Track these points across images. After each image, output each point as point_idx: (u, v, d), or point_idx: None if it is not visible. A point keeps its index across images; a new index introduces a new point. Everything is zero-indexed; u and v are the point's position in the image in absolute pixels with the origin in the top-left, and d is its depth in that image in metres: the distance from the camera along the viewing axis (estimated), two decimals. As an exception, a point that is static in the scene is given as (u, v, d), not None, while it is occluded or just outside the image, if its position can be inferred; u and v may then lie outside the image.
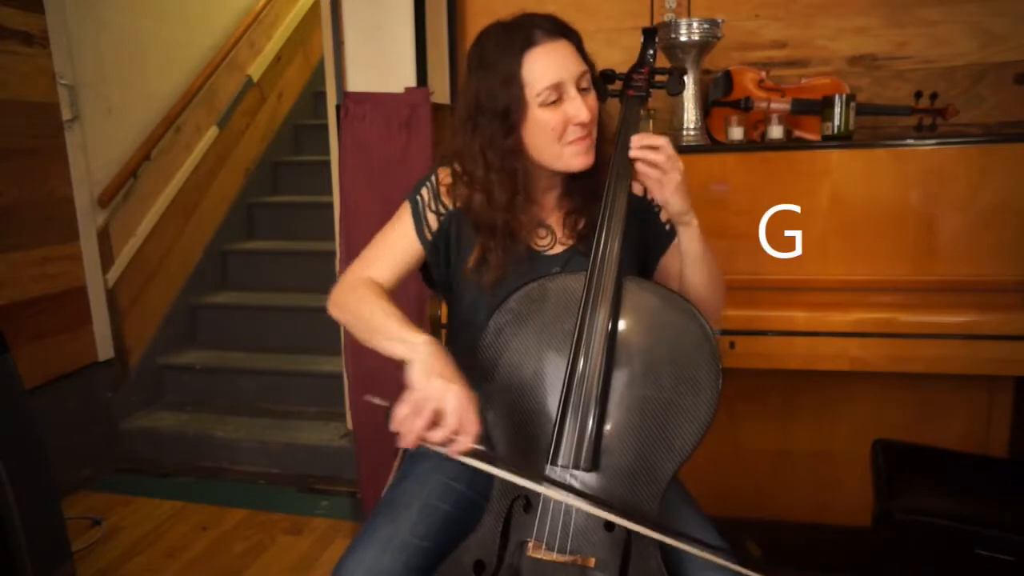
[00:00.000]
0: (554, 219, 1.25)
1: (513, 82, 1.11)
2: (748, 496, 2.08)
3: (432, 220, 1.23)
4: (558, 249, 1.24)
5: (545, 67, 1.11)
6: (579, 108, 1.12)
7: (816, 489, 2.05)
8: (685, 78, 1.20)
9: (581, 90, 1.14)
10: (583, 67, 1.14)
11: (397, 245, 1.24)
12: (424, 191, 1.24)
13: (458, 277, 1.25)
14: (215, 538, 2.37)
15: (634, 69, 1.24)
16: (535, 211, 1.25)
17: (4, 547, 1.63)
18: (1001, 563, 1.31)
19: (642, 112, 1.23)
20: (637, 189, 1.24)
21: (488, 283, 1.19)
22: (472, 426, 0.93)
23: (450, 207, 1.23)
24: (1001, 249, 1.69)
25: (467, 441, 0.93)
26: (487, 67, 1.14)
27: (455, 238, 1.24)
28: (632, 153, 1.10)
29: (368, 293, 1.14)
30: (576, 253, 1.22)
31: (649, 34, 1.30)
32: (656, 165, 1.10)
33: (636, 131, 1.16)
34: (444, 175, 1.24)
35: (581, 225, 1.22)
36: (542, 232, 1.24)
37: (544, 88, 1.11)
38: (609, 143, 1.20)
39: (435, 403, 0.93)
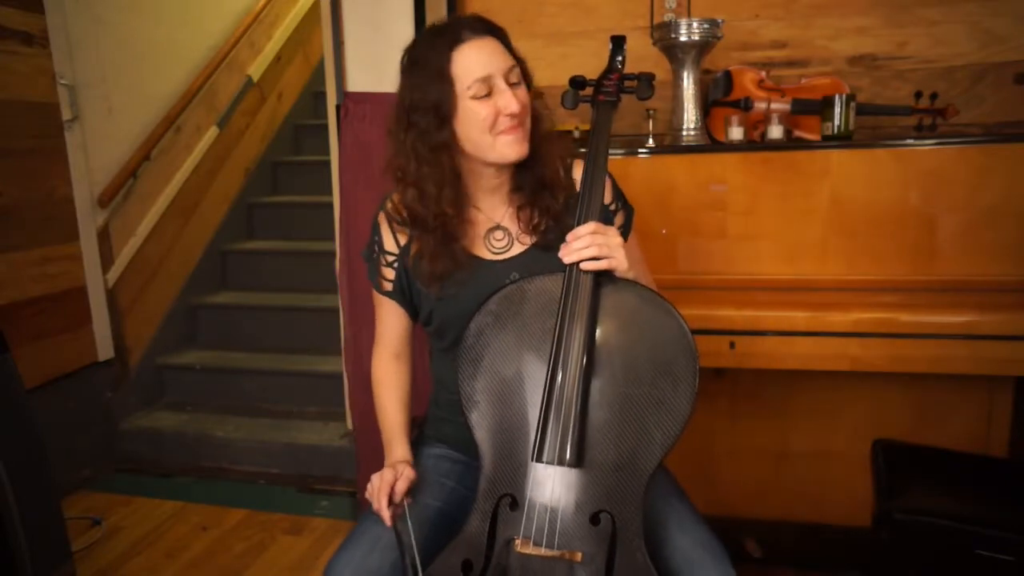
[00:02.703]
0: (507, 218, 1.26)
1: (443, 77, 1.15)
2: (748, 496, 2.08)
3: (387, 272, 1.28)
4: (517, 250, 1.24)
5: (473, 62, 1.15)
6: (509, 100, 1.14)
7: (816, 489, 2.05)
8: (654, 83, 1.24)
9: (511, 84, 1.17)
10: (511, 62, 1.18)
11: (381, 309, 1.33)
12: (375, 244, 1.29)
13: (421, 301, 1.27)
14: (215, 538, 2.37)
15: (604, 75, 1.28)
16: (484, 213, 1.26)
17: (4, 547, 1.63)
18: (1001, 563, 1.31)
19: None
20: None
21: (428, 281, 1.22)
22: (382, 496, 1.13)
23: (397, 248, 1.27)
24: (1001, 249, 1.69)
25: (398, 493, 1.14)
26: (418, 66, 1.17)
27: (412, 273, 1.26)
28: (567, 260, 1.09)
29: (377, 390, 1.34)
30: (536, 250, 1.23)
31: (617, 41, 1.35)
32: (598, 257, 1.08)
33: (608, 134, 1.19)
34: (384, 214, 1.29)
35: (536, 220, 1.22)
36: (498, 235, 1.25)
37: (474, 81, 1.14)
38: (547, 138, 1.24)
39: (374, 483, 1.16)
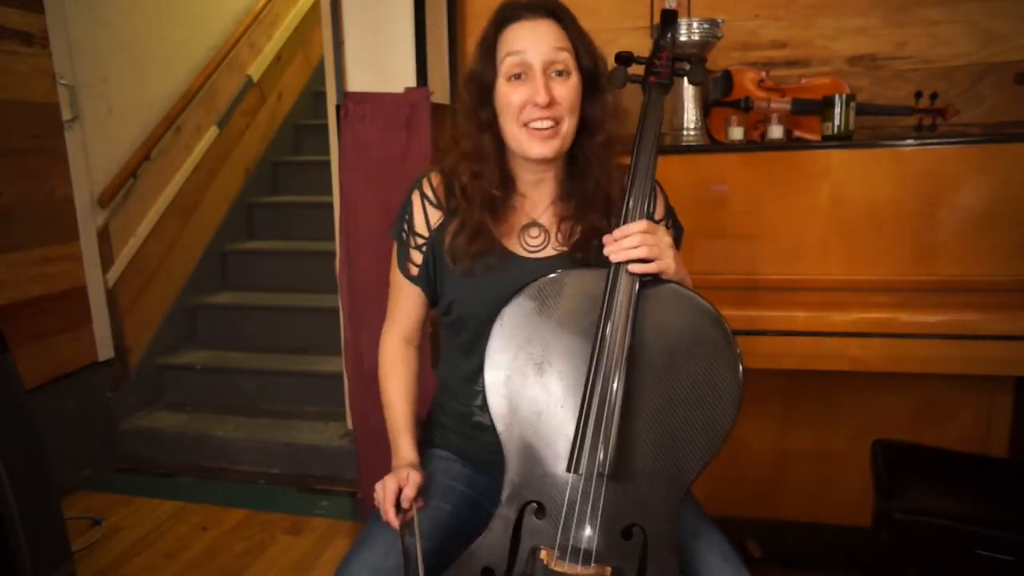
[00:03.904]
0: (546, 219, 1.22)
1: (490, 53, 1.13)
2: (748, 496, 2.08)
3: (415, 256, 1.24)
4: (550, 252, 1.20)
5: (514, 40, 1.11)
6: (537, 88, 1.08)
7: (816, 489, 2.05)
8: (706, 66, 1.17)
9: (556, 73, 1.11)
10: (561, 48, 1.11)
11: (399, 291, 1.28)
12: (404, 222, 1.24)
13: (445, 288, 1.23)
14: (215, 538, 2.37)
15: (654, 54, 1.17)
16: (527, 205, 1.22)
17: (4, 547, 1.63)
18: (1001, 563, 1.31)
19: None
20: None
21: (462, 257, 1.17)
22: (388, 507, 1.10)
23: (428, 231, 1.22)
24: (1001, 249, 1.68)
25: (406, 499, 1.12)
26: (480, 40, 1.16)
27: (439, 259, 1.22)
28: (614, 258, 1.03)
29: (384, 379, 1.28)
30: (571, 261, 1.17)
31: (668, 17, 1.19)
32: (645, 258, 1.03)
33: (660, 120, 1.12)
34: (419, 192, 1.24)
35: (578, 237, 1.18)
36: (534, 232, 1.21)
37: (506, 55, 1.11)
38: (604, 149, 1.17)
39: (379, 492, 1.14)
